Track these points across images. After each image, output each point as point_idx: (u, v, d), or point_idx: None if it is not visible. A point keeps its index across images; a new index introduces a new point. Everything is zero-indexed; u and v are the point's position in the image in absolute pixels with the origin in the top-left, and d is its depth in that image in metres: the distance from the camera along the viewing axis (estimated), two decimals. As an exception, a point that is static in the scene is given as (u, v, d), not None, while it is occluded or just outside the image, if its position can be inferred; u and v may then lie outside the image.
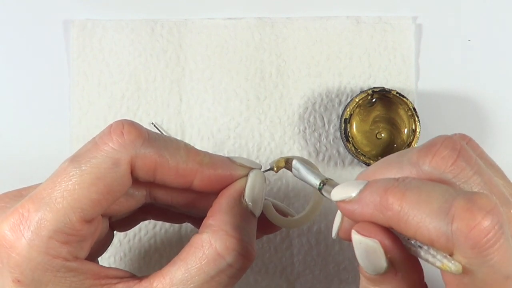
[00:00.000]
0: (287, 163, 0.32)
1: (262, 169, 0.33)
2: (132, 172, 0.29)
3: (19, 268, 0.27)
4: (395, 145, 0.42)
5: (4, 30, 0.44)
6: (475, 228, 0.22)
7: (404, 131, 0.42)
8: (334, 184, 0.29)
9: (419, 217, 0.23)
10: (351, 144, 0.41)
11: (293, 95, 0.44)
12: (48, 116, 0.44)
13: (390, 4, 0.45)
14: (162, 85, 0.44)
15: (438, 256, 0.23)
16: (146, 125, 0.43)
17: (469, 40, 0.45)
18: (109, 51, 0.44)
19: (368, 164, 0.41)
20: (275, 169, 0.33)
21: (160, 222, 0.43)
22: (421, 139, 0.41)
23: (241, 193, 0.31)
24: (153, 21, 0.44)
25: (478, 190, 0.25)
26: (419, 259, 0.25)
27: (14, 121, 0.44)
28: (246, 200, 0.31)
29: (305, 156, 0.43)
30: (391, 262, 0.25)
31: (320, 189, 0.29)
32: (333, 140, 0.44)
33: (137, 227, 0.43)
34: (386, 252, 0.25)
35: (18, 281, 0.27)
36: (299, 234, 0.43)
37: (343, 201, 0.26)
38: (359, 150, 0.41)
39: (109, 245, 0.35)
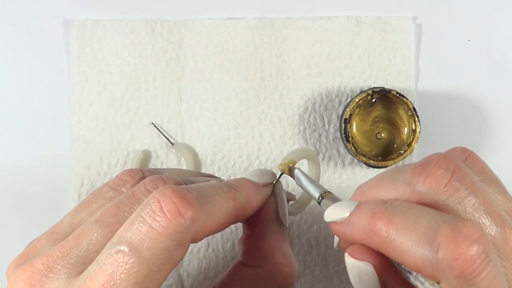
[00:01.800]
0: (290, 170, 0.32)
1: (277, 177, 0.33)
2: (191, 242, 0.28)
3: None
4: (395, 145, 0.42)
5: (4, 30, 0.44)
6: (460, 258, 0.22)
7: (404, 131, 0.42)
8: (332, 198, 0.29)
9: (405, 244, 0.23)
10: (351, 144, 0.41)
11: (293, 95, 0.44)
12: (48, 116, 0.44)
13: (390, 4, 0.45)
14: (162, 85, 0.44)
15: (426, 284, 0.23)
16: (146, 125, 0.43)
17: (469, 40, 0.45)
18: (109, 51, 0.44)
19: (368, 164, 0.41)
20: (287, 172, 0.33)
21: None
22: (421, 139, 0.41)
23: (276, 214, 0.32)
24: (153, 21, 0.44)
25: (472, 211, 0.24)
26: None
27: (14, 121, 0.44)
28: (281, 218, 0.32)
29: (305, 156, 0.43)
30: (384, 285, 0.25)
31: (319, 202, 0.29)
32: (333, 140, 0.44)
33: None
34: (379, 275, 0.25)
35: None
36: (299, 234, 0.43)
37: (334, 222, 0.26)
38: (359, 150, 0.41)
39: None
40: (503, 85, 0.44)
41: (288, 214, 0.35)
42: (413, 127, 0.41)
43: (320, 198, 0.29)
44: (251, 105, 0.44)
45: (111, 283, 0.25)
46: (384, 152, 0.42)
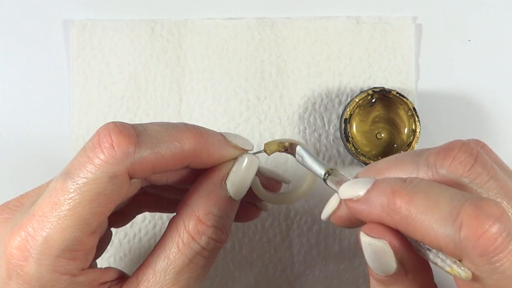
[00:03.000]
0: (291, 147, 0.31)
1: (254, 151, 0.32)
2: (131, 177, 0.29)
3: (28, 285, 0.27)
4: (395, 145, 0.42)
5: (4, 30, 0.44)
6: (482, 236, 0.22)
7: (404, 131, 0.42)
8: (339, 175, 0.28)
9: (427, 223, 0.23)
10: (351, 144, 0.41)
11: (293, 95, 0.44)
12: (48, 116, 0.44)
13: (390, 4, 0.45)
14: (162, 85, 0.44)
15: (448, 261, 0.23)
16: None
17: (469, 40, 0.45)
18: (109, 51, 0.44)
19: (368, 164, 0.41)
20: (268, 152, 0.33)
21: (160, 222, 0.43)
22: (421, 139, 0.41)
23: (224, 177, 0.31)
24: (153, 21, 0.44)
25: (494, 194, 0.25)
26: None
27: (14, 121, 0.44)
28: (227, 185, 0.31)
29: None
30: (400, 263, 0.25)
31: (325, 179, 0.29)
32: (333, 140, 0.44)
33: (137, 227, 0.43)
34: (395, 253, 0.25)
35: None
36: (299, 234, 0.43)
37: (350, 199, 0.26)
38: (359, 150, 0.41)
39: (109, 243, 0.35)
40: (503, 85, 0.44)
41: (274, 203, 0.34)
42: (413, 127, 0.41)
43: (327, 175, 0.29)
44: (251, 105, 0.44)
45: (52, 208, 0.27)
46: (384, 152, 0.42)
